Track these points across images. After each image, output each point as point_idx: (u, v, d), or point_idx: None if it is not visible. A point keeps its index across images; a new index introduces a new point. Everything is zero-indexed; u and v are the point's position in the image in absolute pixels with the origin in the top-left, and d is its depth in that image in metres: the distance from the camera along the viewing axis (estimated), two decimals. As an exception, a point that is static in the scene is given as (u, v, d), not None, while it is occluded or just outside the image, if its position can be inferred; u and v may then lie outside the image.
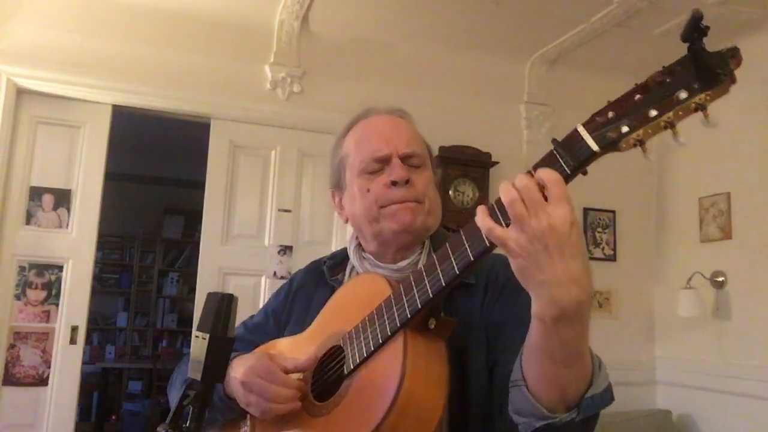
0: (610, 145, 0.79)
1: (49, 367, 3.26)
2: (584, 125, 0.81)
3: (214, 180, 3.63)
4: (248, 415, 1.15)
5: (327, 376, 1.07)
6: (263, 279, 3.62)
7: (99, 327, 7.11)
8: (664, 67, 0.78)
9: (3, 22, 3.27)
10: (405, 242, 1.15)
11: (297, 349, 1.14)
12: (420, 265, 1.11)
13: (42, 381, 3.24)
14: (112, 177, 3.87)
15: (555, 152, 0.82)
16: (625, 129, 0.77)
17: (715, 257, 3.73)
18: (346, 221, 1.25)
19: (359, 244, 1.24)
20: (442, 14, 3.61)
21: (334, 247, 3.74)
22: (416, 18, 3.66)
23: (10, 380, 3.20)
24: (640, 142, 0.78)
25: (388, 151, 1.15)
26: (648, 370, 4.14)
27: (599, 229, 4.19)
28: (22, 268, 3.28)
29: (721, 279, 3.66)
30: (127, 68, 3.44)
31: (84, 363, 3.54)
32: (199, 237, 3.65)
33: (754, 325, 3.51)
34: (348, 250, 1.26)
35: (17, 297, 3.26)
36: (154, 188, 7.35)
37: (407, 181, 1.13)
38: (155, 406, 5.82)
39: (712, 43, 0.75)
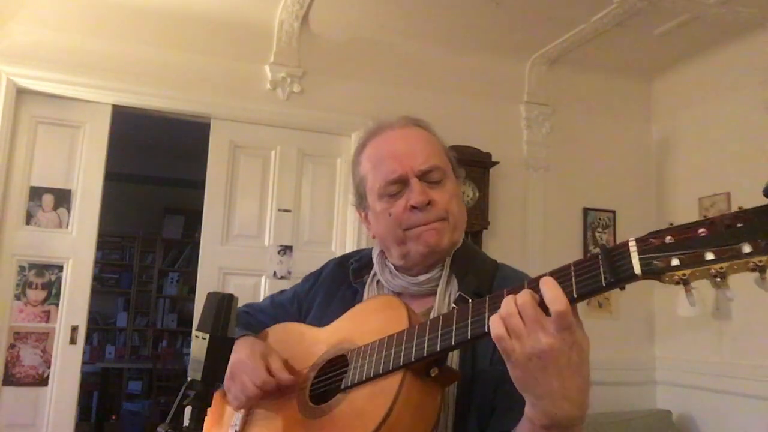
0: (652, 274, 0.75)
1: (49, 367, 3.26)
2: (637, 242, 0.77)
3: (214, 180, 3.63)
4: (238, 413, 1.18)
5: (328, 381, 1.08)
6: (263, 279, 3.62)
7: (99, 327, 7.11)
8: (740, 208, 0.72)
9: (3, 22, 3.27)
10: (432, 261, 1.15)
11: (311, 344, 1.16)
12: (440, 282, 1.13)
13: (42, 381, 3.24)
14: (112, 177, 3.87)
15: (599, 260, 0.79)
16: (675, 262, 0.73)
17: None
18: (374, 237, 1.23)
19: (383, 252, 1.23)
20: (442, 14, 3.61)
21: (334, 247, 3.74)
22: (416, 18, 3.67)
23: (10, 380, 3.20)
24: (684, 282, 0.74)
25: (404, 171, 1.12)
26: (648, 370, 4.14)
27: (599, 229, 4.19)
28: (22, 268, 3.28)
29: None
30: (127, 68, 3.44)
31: (84, 363, 3.54)
32: (199, 237, 3.65)
33: (754, 325, 3.51)
34: (372, 256, 1.25)
35: (17, 297, 3.26)
36: (154, 188, 7.36)
37: (428, 203, 1.11)
38: (155, 406, 5.82)
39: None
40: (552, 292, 0.79)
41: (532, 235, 4.04)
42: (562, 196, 4.15)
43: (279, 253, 3.66)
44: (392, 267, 1.19)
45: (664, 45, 3.80)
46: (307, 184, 3.78)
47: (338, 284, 1.29)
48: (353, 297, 1.23)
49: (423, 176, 1.12)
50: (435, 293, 1.13)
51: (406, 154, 1.14)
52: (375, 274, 1.22)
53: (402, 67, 3.92)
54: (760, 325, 3.47)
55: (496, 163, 3.88)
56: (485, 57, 4.03)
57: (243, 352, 1.13)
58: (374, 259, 1.23)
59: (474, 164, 3.80)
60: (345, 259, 1.34)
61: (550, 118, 4.19)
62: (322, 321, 1.21)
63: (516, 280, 1.14)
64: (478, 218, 3.75)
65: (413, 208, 1.11)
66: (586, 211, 4.19)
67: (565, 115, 4.24)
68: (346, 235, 3.72)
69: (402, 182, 1.12)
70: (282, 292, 1.42)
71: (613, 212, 4.23)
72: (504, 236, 3.94)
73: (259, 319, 1.33)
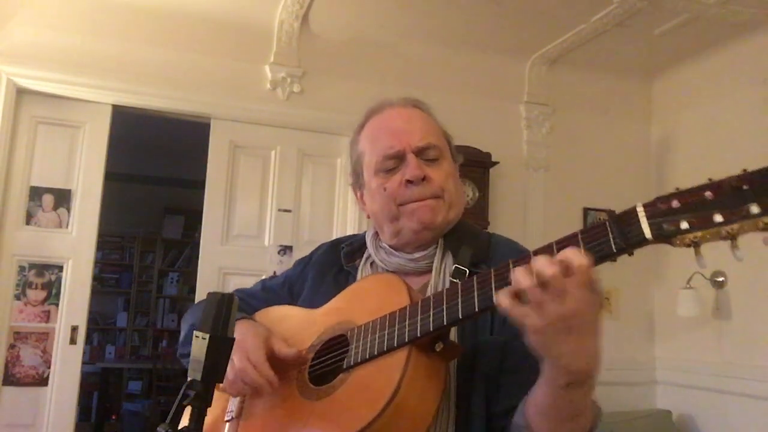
0: (663, 238, 0.75)
1: (49, 367, 3.26)
2: (644, 206, 0.77)
3: (214, 180, 3.63)
4: (233, 399, 1.17)
5: (327, 362, 1.07)
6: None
7: (99, 327, 7.11)
8: (744, 170, 0.72)
9: (3, 22, 3.27)
10: (425, 239, 1.14)
11: (306, 325, 1.15)
12: (435, 258, 1.13)
13: (42, 381, 3.24)
14: (112, 177, 3.87)
15: (607, 225, 0.79)
16: (684, 225, 0.73)
17: (715, 257, 3.72)
18: (368, 217, 1.23)
19: (377, 233, 1.22)
20: (442, 14, 3.61)
21: (334, 247, 3.74)
22: (416, 18, 3.67)
23: (10, 380, 3.20)
24: (695, 244, 0.74)
25: (401, 147, 1.13)
26: (648, 370, 4.14)
27: (599, 229, 4.19)
28: (22, 268, 3.28)
29: (721, 279, 3.66)
30: (127, 68, 3.44)
31: (84, 363, 3.54)
32: (199, 237, 3.65)
33: (754, 325, 3.51)
34: (366, 239, 1.25)
35: (17, 297, 3.26)
36: (154, 188, 7.35)
37: (424, 178, 1.11)
38: (155, 406, 5.82)
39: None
40: (570, 250, 0.78)
41: (532, 235, 4.03)
42: (562, 196, 4.15)
43: (279, 253, 3.66)
44: (387, 246, 1.19)
45: (664, 45, 3.80)
46: (307, 184, 3.78)
47: (330, 266, 1.28)
48: (346, 280, 1.22)
49: (420, 153, 1.13)
50: (431, 270, 1.13)
51: (404, 130, 1.14)
52: (369, 257, 1.22)
53: (402, 67, 3.92)
54: (760, 325, 3.47)
55: (496, 163, 3.88)
56: (485, 57, 4.03)
57: (246, 333, 1.11)
58: (368, 241, 1.23)
59: (474, 164, 3.80)
60: (337, 242, 1.33)
61: (550, 118, 4.20)
62: (313, 303, 1.20)
63: (511, 247, 1.14)
64: (478, 218, 3.75)
65: (408, 182, 1.11)
66: (586, 211, 4.19)
67: (565, 115, 4.24)
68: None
69: (398, 158, 1.13)
70: (273, 276, 1.42)
71: (613, 212, 4.22)
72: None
73: (250, 303, 1.32)
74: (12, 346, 3.22)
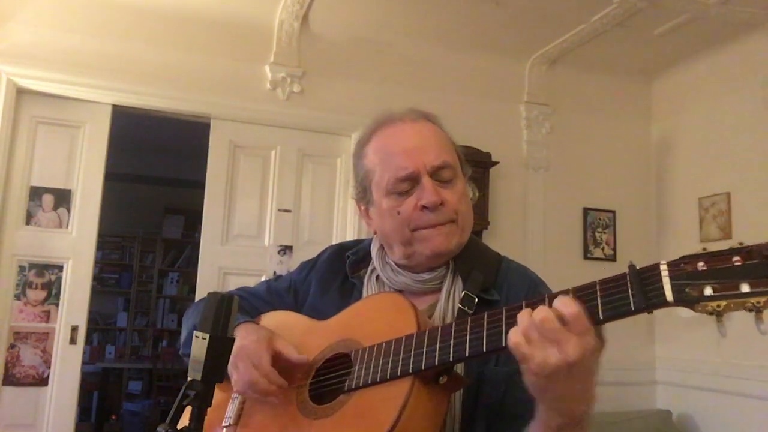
0: (685, 303, 0.71)
1: (49, 367, 3.26)
2: (669, 266, 0.72)
3: (214, 180, 3.63)
4: (232, 405, 1.15)
5: (328, 380, 1.06)
6: (263, 279, 3.62)
7: (99, 327, 7.11)
8: None
9: (3, 22, 3.27)
10: (437, 263, 1.11)
11: (310, 337, 1.13)
12: (445, 282, 1.10)
13: (42, 381, 3.24)
14: (112, 177, 3.87)
15: (628, 281, 0.75)
16: (708, 292, 0.69)
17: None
18: (375, 233, 1.19)
19: (383, 247, 1.18)
20: (442, 14, 3.61)
21: (334, 247, 3.74)
22: (416, 18, 3.67)
23: (10, 380, 3.20)
24: (718, 314, 0.70)
25: (415, 168, 1.07)
26: (648, 370, 4.14)
27: (599, 229, 4.19)
28: (22, 268, 3.28)
29: (721, 279, 3.65)
30: (127, 68, 3.44)
31: (84, 363, 3.54)
32: (199, 237, 3.65)
33: (754, 325, 3.50)
34: (371, 250, 1.21)
35: (17, 297, 3.26)
36: (154, 188, 7.35)
37: (441, 203, 1.07)
38: (155, 406, 5.82)
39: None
40: (562, 298, 0.79)
41: (532, 235, 4.04)
42: (562, 196, 4.15)
43: (279, 253, 3.66)
44: (393, 264, 1.16)
45: (664, 45, 3.80)
46: (307, 184, 3.78)
47: (335, 274, 1.25)
48: (351, 291, 1.20)
49: (434, 173, 1.08)
50: (439, 290, 1.10)
51: (417, 149, 1.09)
52: (374, 270, 1.19)
53: (402, 67, 3.92)
54: (760, 325, 3.47)
55: (496, 163, 3.88)
56: (485, 57, 4.03)
57: (248, 338, 1.09)
58: (373, 256, 1.20)
59: (474, 164, 3.79)
60: (342, 249, 1.29)
61: (550, 118, 4.20)
62: (317, 311, 1.18)
63: (521, 275, 1.12)
64: (478, 218, 3.75)
65: (424, 207, 1.07)
66: (586, 211, 4.19)
67: (565, 115, 4.24)
68: (346, 236, 3.72)
69: (412, 179, 1.08)
70: (278, 278, 1.38)
71: (613, 212, 4.22)
72: (504, 236, 3.93)
73: (253, 304, 1.29)
74: (12, 346, 3.22)
